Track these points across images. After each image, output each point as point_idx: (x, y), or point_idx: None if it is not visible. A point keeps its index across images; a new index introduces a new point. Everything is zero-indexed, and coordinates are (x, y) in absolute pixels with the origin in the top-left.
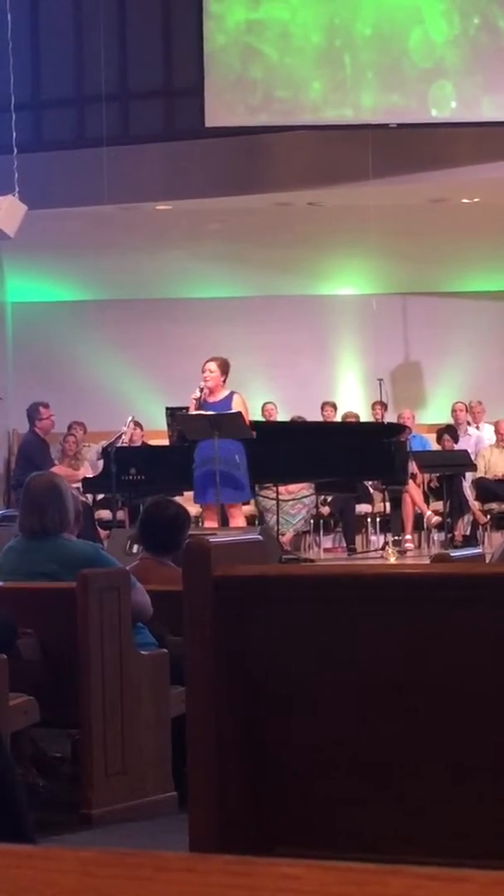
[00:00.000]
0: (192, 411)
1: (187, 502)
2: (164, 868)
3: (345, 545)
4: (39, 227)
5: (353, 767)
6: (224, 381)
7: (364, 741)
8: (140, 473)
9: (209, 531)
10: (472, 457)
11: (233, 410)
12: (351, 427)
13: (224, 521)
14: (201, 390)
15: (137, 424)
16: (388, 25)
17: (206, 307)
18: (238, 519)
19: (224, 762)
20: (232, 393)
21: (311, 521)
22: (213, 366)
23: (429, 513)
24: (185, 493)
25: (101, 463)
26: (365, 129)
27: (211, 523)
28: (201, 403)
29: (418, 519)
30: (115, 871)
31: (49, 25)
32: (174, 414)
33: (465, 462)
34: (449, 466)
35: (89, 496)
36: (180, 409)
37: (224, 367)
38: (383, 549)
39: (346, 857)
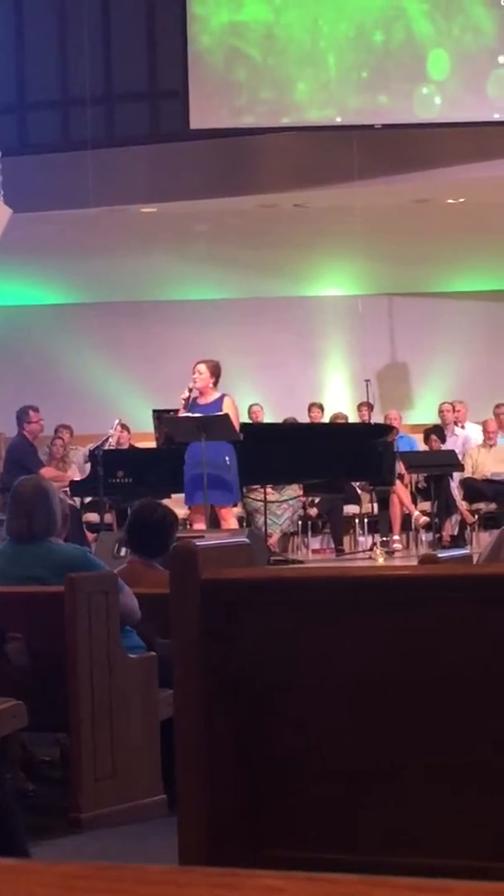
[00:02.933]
0: (182, 412)
1: (175, 505)
2: (145, 881)
3: (333, 546)
4: (24, 231)
5: (342, 770)
6: (214, 384)
7: (353, 743)
8: (127, 476)
9: (197, 534)
10: (460, 457)
11: (222, 412)
12: (338, 428)
13: (215, 524)
14: (190, 391)
15: (124, 427)
16: (372, 26)
17: (193, 309)
18: (229, 521)
19: (213, 765)
20: (222, 395)
21: (299, 522)
22: (202, 367)
23: (416, 513)
24: (174, 496)
25: (88, 466)
26: (350, 129)
27: (199, 526)
28: (191, 405)
29: (406, 519)
30: (96, 885)
31: (33, 28)
32: (161, 416)
33: (452, 462)
34: (436, 467)
35: (77, 499)
36: (167, 411)
37: (214, 370)
38: (371, 549)
39: (335, 860)
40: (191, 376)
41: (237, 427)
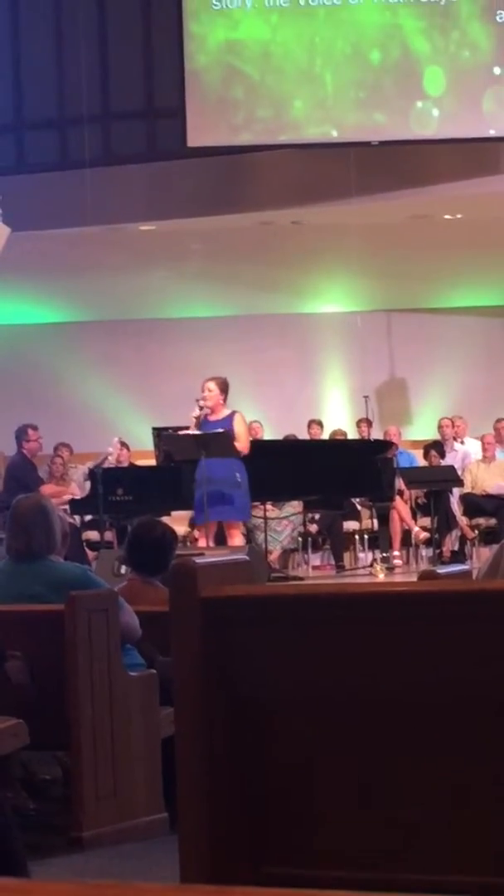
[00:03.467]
0: (193, 430)
1: (175, 522)
2: None
3: (333, 562)
4: (23, 249)
5: (342, 786)
6: (224, 401)
7: (353, 759)
8: (127, 494)
9: (196, 551)
10: (459, 472)
11: (234, 430)
12: (338, 444)
13: (224, 540)
14: (201, 409)
15: (124, 445)
16: (368, 44)
17: (191, 327)
18: (237, 538)
19: (213, 783)
20: (233, 412)
21: (300, 539)
22: (211, 385)
23: (416, 529)
24: (173, 514)
25: (88, 484)
26: (347, 146)
27: (203, 543)
28: (202, 422)
29: (406, 535)
30: None
31: (30, 48)
32: (161, 434)
33: (451, 478)
34: (436, 482)
35: (77, 517)
36: (167, 428)
37: (223, 387)
38: (372, 565)
39: (336, 877)
40: (199, 394)
41: (248, 443)
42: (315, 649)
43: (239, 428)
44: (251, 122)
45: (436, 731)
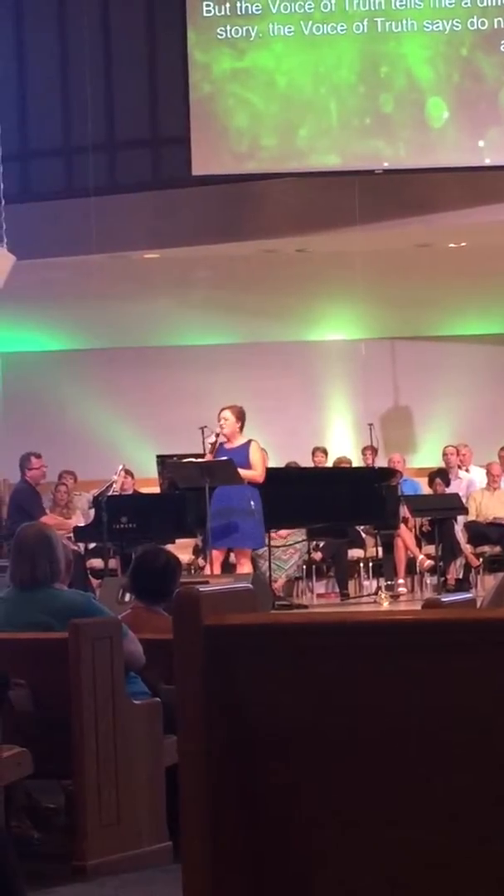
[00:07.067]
0: (209, 457)
1: (179, 550)
2: None
3: (338, 590)
4: (27, 277)
5: (347, 817)
6: (241, 428)
7: (358, 789)
8: (131, 522)
9: (200, 579)
10: (464, 500)
11: (249, 458)
12: (342, 472)
13: (231, 568)
14: (217, 436)
15: (128, 472)
16: (372, 72)
17: (195, 354)
18: (245, 566)
19: (217, 812)
20: (249, 441)
21: (304, 567)
22: (227, 413)
23: (421, 557)
24: (177, 541)
25: (92, 512)
26: (351, 175)
27: (215, 570)
28: (219, 450)
29: (411, 563)
30: None
31: (36, 77)
32: (165, 461)
33: (456, 506)
34: (440, 510)
35: (81, 545)
36: (171, 456)
37: (239, 415)
38: (376, 593)
39: None
40: (206, 422)
41: (264, 471)
42: (319, 677)
43: (254, 457)
44: (256, 151)
45: (439, 760)
